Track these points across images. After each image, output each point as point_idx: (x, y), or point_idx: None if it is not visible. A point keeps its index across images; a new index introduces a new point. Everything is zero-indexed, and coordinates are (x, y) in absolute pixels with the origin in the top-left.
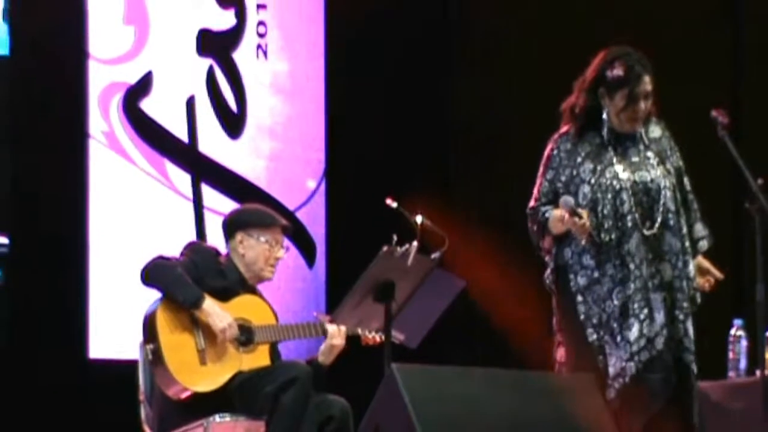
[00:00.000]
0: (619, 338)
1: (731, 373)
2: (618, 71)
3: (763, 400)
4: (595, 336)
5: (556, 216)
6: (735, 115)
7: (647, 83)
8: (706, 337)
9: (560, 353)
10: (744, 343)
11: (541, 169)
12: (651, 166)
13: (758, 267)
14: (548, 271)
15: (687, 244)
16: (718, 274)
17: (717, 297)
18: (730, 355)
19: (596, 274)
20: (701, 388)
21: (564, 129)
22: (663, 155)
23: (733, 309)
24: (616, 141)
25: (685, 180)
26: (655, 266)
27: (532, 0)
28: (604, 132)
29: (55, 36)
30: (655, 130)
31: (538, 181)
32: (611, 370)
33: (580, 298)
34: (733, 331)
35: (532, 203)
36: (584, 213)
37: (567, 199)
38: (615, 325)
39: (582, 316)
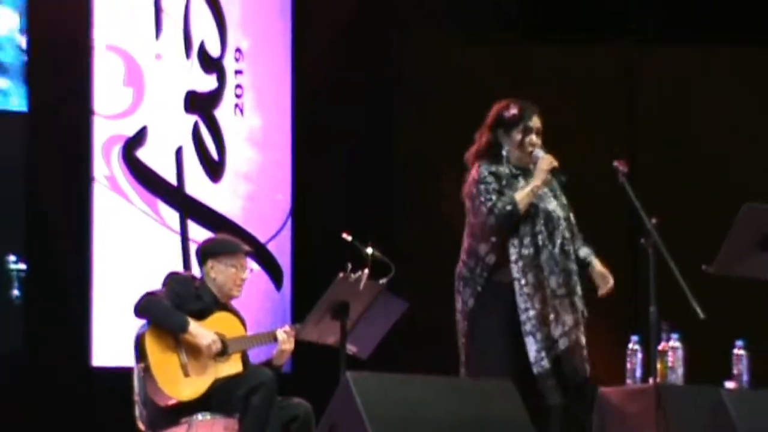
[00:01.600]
0: (538, 335)
1: (629, 381)
2: (513, 111)
3: (655, 403)
4: (528, 326)
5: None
6: (632, 165)
7: (537, 121)
8: (608, 349)
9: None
10: (639, 355)
11: (478, 188)
12: (549, 199)
13: (651, 293)
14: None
15: (575, 266)
16: (611, 280)
17: (617, 317)
18: (628, 365)
19: (523, 281)
20: (603, 393)
21: (475, 165)
22: (554, 192)
23: (630, 327)
24: (521, 173)
25: (571, 215)
26: (559, 279)
27: (459, 66)
28: (507, 165)
29: (65, 95)
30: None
31: (482, 196)
32: (532, 359)
33: (520, 301)
34: (630, 345)
35: (488, 207)
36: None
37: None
38: (535, 322)
39: (523, 315)
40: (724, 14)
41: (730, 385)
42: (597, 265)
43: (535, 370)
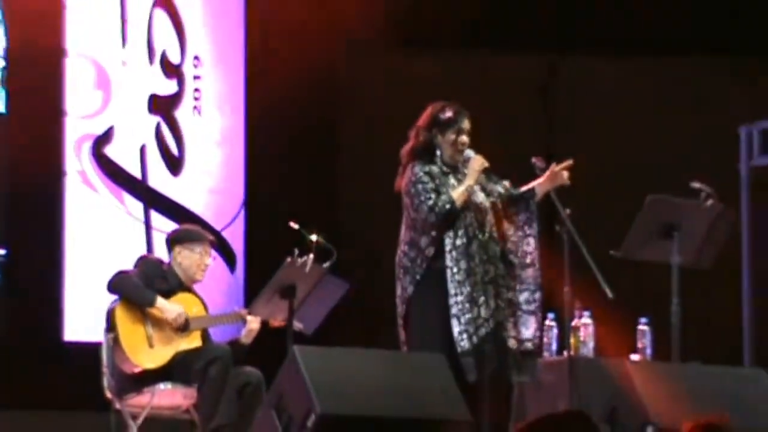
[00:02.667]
0: (462, 318)
1: (545, 353)
2: (449, 113)
3: (568, 373)
4: (455, 310)
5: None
6: (549, 163)
7: (468, 123)
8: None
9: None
10: (555, 331)
11: (416, 187)
12: (477, 193)
13: (565, 275)
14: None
15: (501, 251)
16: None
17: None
18: (545, 339)
19: (455, 269)
20: None
21: (410, 165)
22: (482, 185)
23: (547, 306)
24: (451, 171)
25: (502, 189)
26: (486, 266)
27: (398, 72)
28: (439, 164)
29: (41, 98)
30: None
31: (422, 195)
32: (455, 339)
33: (451, 287)
34: (546, 322)
35: (429, 206)
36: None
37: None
38: (467, 305)
39: (452, 299)
40: (638, 27)
41: (635, 357)
42: (533, 183)
43: (458, 349)
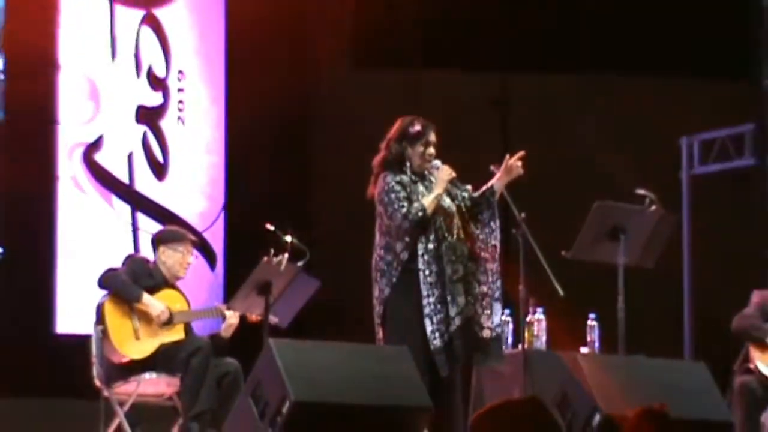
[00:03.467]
0: (434, 318)
1: (502, 347)
2: (417, 127)
3: (523, 365)
4: (427, 310)
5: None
6: None
7: (434, 136)
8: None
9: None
10: (511, 326)
11: (389, 196)
12: (444, 198)
13: (520, 274)
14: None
15: (468, 250)
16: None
17: None
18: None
19: (427, 272)
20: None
21: (382, 175)
22: (449, 190)
23: (503, 302)
24: (419, 179)
25: (466, 195)
26: (455, 265)
27: (362, 90)
28: (409, 174)
29: (36, 108)
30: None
31: (396, 204)
32: (428, 337)
33: (423, 289)
34: (503, 317)
35: (402, 213)
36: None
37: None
38: (439, 305)
39: (425, 300)
40: (585, 47)
41: (584, 350)
42: (491, 181)
43: (431, 346)
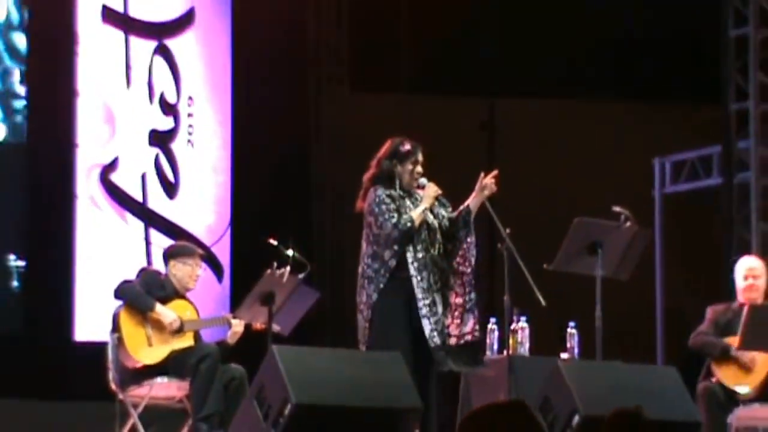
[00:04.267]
0: (432, 318)
1: (488, 353)
2: (407, 147)
3: (507, 370)
4: (424, 311)
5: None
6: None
7: (422, 155)
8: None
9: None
10: (496, 333)
11: (380, 208)
12: (428, 215)
13: (506, 286)
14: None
15: (447, 265)
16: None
17: (480, 304)
18: (488, 341)
19: (419, 278)
20: None
21: (373, 189)
22: (433, 208)
23: (489, 311)
24: (407, 195)
25: (447, 213)
26: (435, 276)
27: (360, 112)
28: (398, 189)
29: (56, 132)
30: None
31: (386, 214)
32: (428, 336)
33: (418, 292)
34: (489, 326)
35: (393, 223)
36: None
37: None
38: (434, 308)
39: (420, 303)
40: (566, 74)
41: (564, 356)
42: (467, 201)
43: (431, 343)
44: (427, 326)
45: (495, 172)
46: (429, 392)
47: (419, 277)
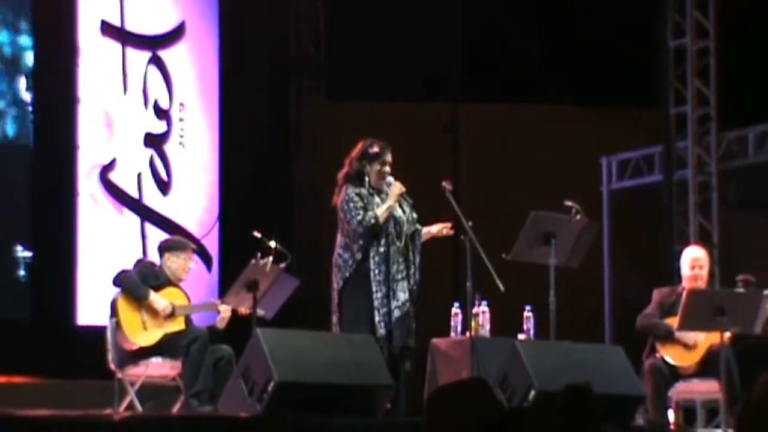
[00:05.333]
0: (381, 310)
1: (453, 334)
2: (376, 148)
3: (470, 350)
4: (376, 303)
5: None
6: (456, 187)
7: (390, 156)
8: (439, 312)
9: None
10: (460, 316)
11: (348, 205)
12: (396, 209)
13: (468, 273)
14: (350, 268)
15: (413, 256)
16: (440, 227)
17: (445, 290)
18: (452, 323)
19: (377, 271)
20: (434, 343)
21: (345, 186)
22: (401, 203)
23: (454, 296)
24: (376, 192)
25: (413, 216)
26: (400, 266)
27: (334, 117)
28: (367, 187)
29: (59, 135)
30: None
31: (353, 212)
32: (379, 326)
33: (373, 285)
34: (453, 309)
35: (358, 220)
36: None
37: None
38: (385, 300)
39: (374, 295)
40: (523, 81)
41: (521, 337)
42: (431, 229)
43: (377, 334)
44: (376, 317)
45: (450, 225)
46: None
47: (377, 270)
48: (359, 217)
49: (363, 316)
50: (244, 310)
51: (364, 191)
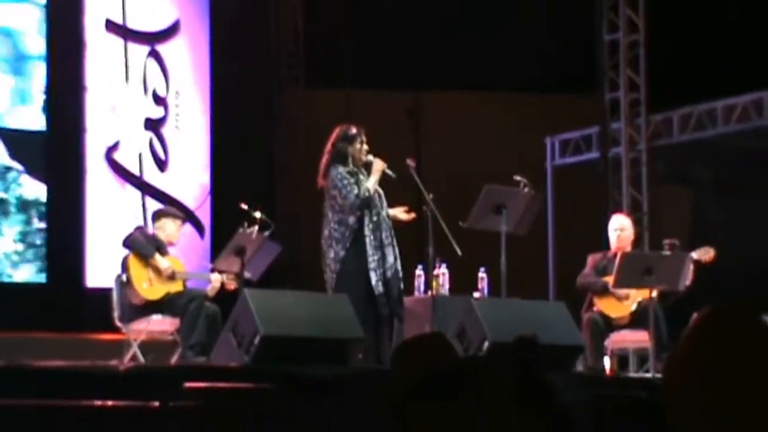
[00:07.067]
0: (378, 271)
1: (416, 293)
2: (354, 130)
3: (431, 308)
4: (372, 265)
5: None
6: (419, 164)
7: (365, 137)
8: (405, 274)
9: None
10: (422, 278)
11: (342, 182)
12: (375, 183)
13: (429, 239)
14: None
15: (391, 221)
16: (405, 214)
17: (410, 254)
18: (416, 283)
19: (371, 237)
20: None
21: (332, 167)
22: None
23: (417, 259)
24: (358, 170)
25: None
26: (385, 233)
27: (311, 105)
28: (350, 166)
29: (70, 120)
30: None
31: (348, 187)
32: (373, 285)
33: (369, 250)
34: (417, 271)
35: (355, 194)
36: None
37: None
38: (376, 263)
39: (369, 258)
40: (479, 70)
41: (477, 295)
42: (395, 212)
43: (375, 291)
44: (373, 278)
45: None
46: (380, 329)
47: (371, 237)
48: (355, 191)
49: (362, 280)
50: (231, 285)
51: (350, 170)
